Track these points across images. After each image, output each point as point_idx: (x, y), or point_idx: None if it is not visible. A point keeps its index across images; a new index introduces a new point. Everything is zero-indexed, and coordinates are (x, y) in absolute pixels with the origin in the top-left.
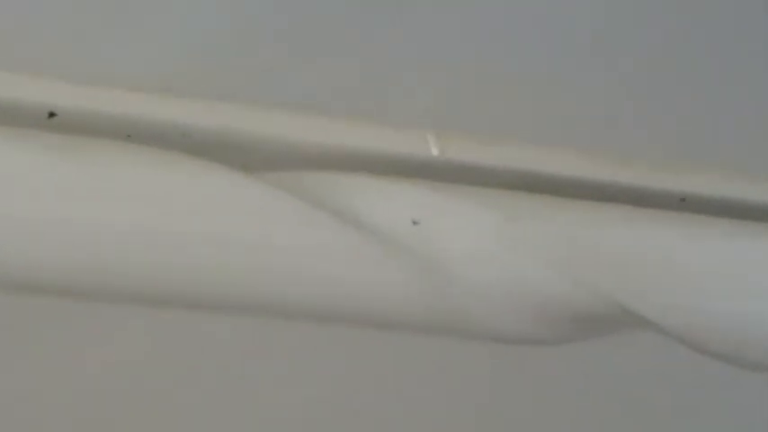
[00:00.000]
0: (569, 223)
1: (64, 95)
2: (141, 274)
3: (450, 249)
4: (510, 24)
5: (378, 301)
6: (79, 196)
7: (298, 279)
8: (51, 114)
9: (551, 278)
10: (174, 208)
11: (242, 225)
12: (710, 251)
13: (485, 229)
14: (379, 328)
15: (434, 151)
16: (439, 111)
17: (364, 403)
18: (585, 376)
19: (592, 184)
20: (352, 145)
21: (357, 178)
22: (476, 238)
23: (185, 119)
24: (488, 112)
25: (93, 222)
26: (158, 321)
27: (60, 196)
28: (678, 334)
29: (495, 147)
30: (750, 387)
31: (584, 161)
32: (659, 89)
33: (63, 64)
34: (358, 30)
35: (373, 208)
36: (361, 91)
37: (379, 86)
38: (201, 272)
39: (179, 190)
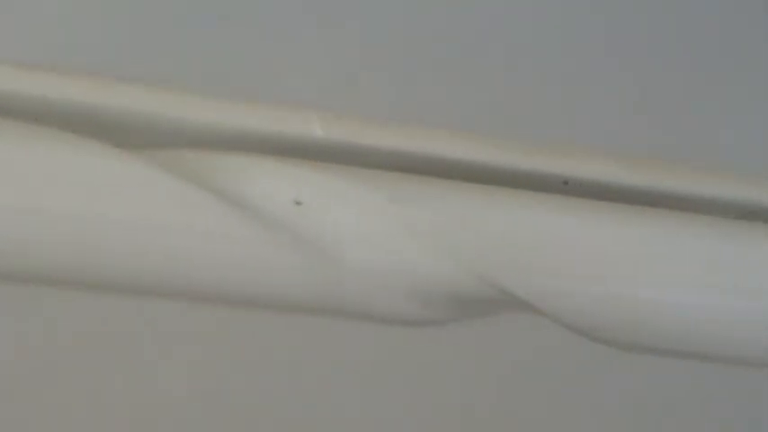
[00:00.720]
0: (452, 205)
1: None
2: (10, 251)
3: (332, 230)
4: (398, 4)
5: (258, 281)
6: None
7: (175, 260)
8: None
9: (433, 259)
10: (47, 185)
11: (119, 203)
12: (592, 234)
13: (367, 209)
14: (259, 309)
15: (318, 131)
16: (323, 91)
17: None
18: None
19: (475, 167)
20: (234, 123)
21: (239, 157)
22: (358, 218)
23: (62, 94)
24: (374, 95)
25: None
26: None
27: None
28: (558, 317)
29: (380, 128)
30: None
31: (468, 144)
32: (543, 70)
33: None
34: (241, 6)
35: (255, 187)
36: (244, 69)
37: (262, 65)
38: (76, 250)
39: (53, 166)
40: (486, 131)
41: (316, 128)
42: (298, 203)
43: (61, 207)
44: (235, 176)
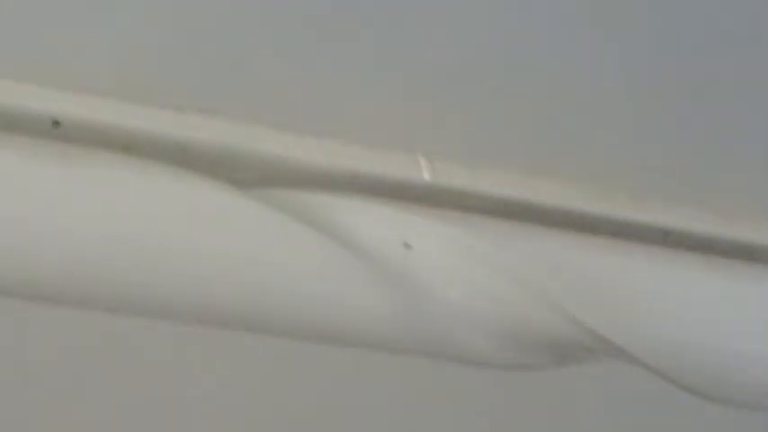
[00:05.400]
0: (551, 252)
1: (68, 105)
2: (128, 283)
3: (435, 273)
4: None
5: (363, 320)
6: (76, 207)
7: (284, 296)
8: (55, 123)
9: (530, 304)
10: (166, 221)
11: (232, 240)
12: (688, 286)
13: (470, 255)
14: (361, 348)
15: (426, 176)
16: (429, 135)
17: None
18: (571, 403)
19: (576, 214)
20: (347, 166)
21: (351, 199)
22: (461, 264)
23: (183, 133)
24: (477, 139)
25: (88, 233)
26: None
27: (58, 206)
28: (651, 364)
29: (483, 173)
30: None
31: (571, 191)
32: (648, 123)
33: (66, 73)
34: (348, 44)
35: (366, 229)
36: (355, 112)
37: (370, 108)
38: (190, 284)
39: (172, 204)
40: None
41: (424, 172)
42: (407, 247)
43: (174, 241)
44: (345, 217)
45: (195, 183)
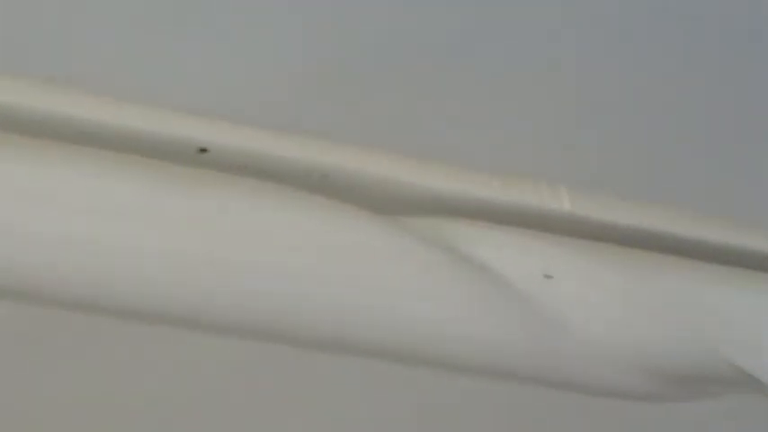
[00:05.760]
0: (691, 285)
1: (215, 132)
2: (263, 310)
3: (575, 305)
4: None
5: (498, 350)
6: (217, 234)
7: (420, 324)
8: (202, 150)
9: (670, 339)
10: (308, 249)
11: (371, 268)
12: None
13: (610, 288)
14: (492, 378)
15: (567, 205)
16: (570, 164)
17: None
18: None
19: (714, 246)
20: (486, 194)
21: (490, 228)
22: (601, 296)
23: (327, 160)
24: (618, 168)
25: (227, 260)
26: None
27: (200, 233)
28: None
29: (624, 203)
30: None
31: (708, 222)
32: None
33: (214, 100)
34: (486, 78)
35: (506, 259)
36: (495, 140)
37: (511, 136)
38: (326, 312)
39: (314, 232)
40: None
41: (565, 201)
42: (548, 277)
43: (315, 270)
44: (485, 246)
45: (337, 210)
